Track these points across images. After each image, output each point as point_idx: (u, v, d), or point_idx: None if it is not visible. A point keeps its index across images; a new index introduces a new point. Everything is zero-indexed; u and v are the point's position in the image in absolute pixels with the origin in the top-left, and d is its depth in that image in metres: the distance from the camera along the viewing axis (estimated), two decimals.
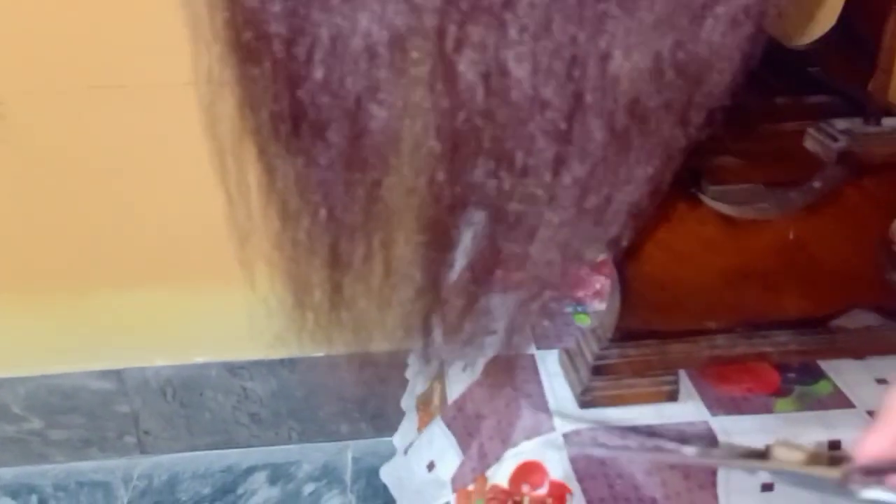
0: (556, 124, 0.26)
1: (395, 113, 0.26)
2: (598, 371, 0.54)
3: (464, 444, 0.60)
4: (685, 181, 0.50)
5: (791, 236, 0.52)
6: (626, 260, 0.52)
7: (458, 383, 0.64)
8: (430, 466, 0.61)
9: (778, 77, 0.91)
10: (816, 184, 0.52)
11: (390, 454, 1.22)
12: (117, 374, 1.19)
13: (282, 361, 1.20)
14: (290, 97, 0.27)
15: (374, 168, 0.28)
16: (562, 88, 0.25)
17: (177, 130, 1.06)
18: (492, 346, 0.35)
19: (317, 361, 1.21)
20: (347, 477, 1.20)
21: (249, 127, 0.31)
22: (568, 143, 0.27)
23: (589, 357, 0.55)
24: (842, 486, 0.31)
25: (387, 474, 0.71)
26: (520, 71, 0.25)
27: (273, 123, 0.29)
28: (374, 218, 0.30)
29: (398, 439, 0.80)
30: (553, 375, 0.58)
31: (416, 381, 0.81)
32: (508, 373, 0.59)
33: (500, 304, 0.34)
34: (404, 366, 1.23)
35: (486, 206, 0.29)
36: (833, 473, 0.31)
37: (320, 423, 1.25)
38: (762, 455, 0.34)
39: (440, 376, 0.72)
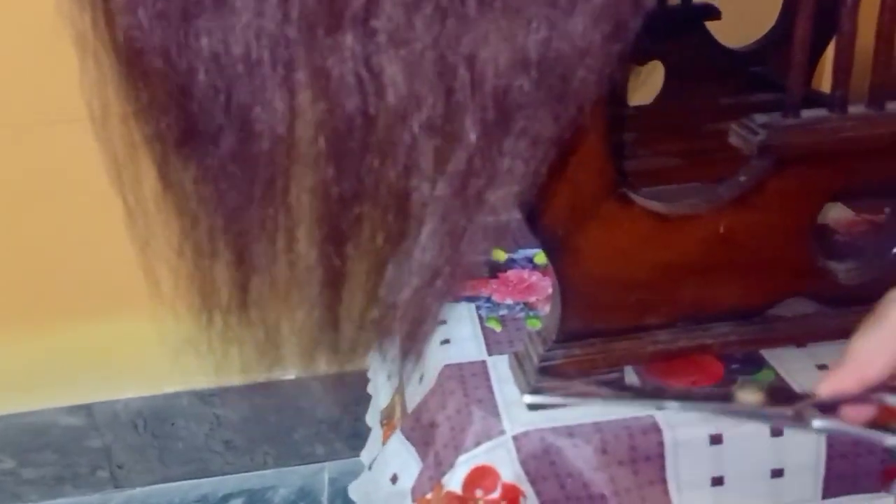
0: (431, 122, 0.27)
1: (279, 117, 0.27)
2: (544, 372, 0.55)
3: (422, 454, 0.60)
4: (611, 179, 0.51)
5: (721, 230, 0.54)
6: (563, 261, 0.54)
7: (415, 394, 0.65)
8: (394, 479, 0.62)
9: (723, 78, 0.94)
10: (742, 177, 0.53)
11: None
12: (87, 409, 1.18)
13: (253, 386, 1.20)
14: (176, 108, 0.28)
15: (265, 170, 0.29)
16: (433, 88, 0.27)
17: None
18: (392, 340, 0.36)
19: (289, 384, 1.21)
20: (324, 498, 1.20)
21: (141, 137, 0.32)
22: (444, 139, 0.28)
23: (535, 359, 0.56)
24: (796, 420, 0.36)
25: (355, 491, 0.71)
26: (391, 73, 0.26)
27: (162, 133, 0.30)
28: (272, 218, 0.31)
29: (365, 455, 0.80)
30: (503, 380, 0.59)
31: (379, 396, 0.81)
32: (460, 380, 0.60)
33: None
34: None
35: (376, 201, 0.30)
36: (788, 410, 0.36)
37: (295, 445, 1.25)
38: (726, 398, 0.38)
39: (400, 389, 0.72)
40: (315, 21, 0.26)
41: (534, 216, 0.52)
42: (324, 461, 1.26)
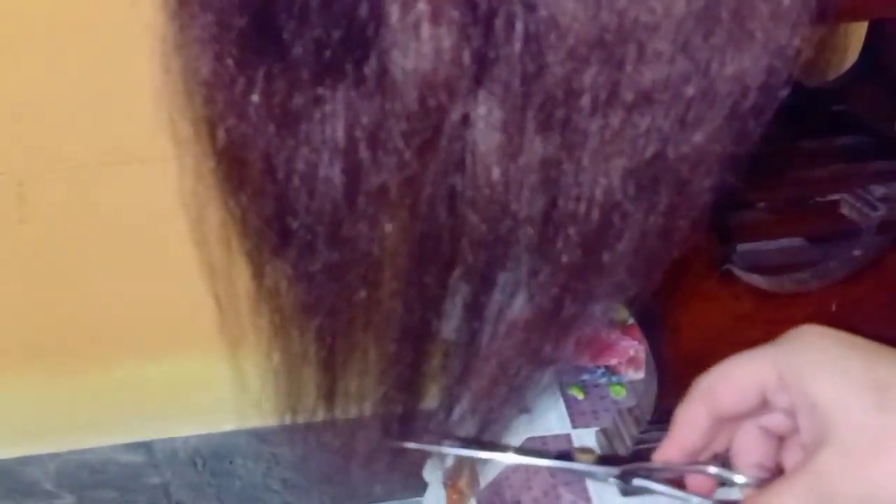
0: (530, 234, 0.26)
1: (373, 226, 0.27)
2: (639, 456, 0.52)
3: None
4: (716, 257, 0.48)
5: (833, 308, 0.50)
6: (660, 340, 0.50)
7: (491, 466, 0.62)
8: None
9: (801, 118, 0.89)
10: (857, 252, 0.50)
11: None
12: (146, 447, 1.18)
13: (311, 425, 1.18)
14: (275, 217, 0.28)
15: (358, 277, 0.29)
16: (534, 201, 0.26)
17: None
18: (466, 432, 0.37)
19: (346, 424, 1.19)
20: None
21: (236, 240, 0.31)
22: (540, 253, 0.27)
23: (628, 440, 0.53)
24: (620, 478, 0.40)
25: None
26: (491, 183, 0.25)
27: (258, 238, 0.30)
28: (361, 322, 0.31)
29: None
30: None
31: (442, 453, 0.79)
32: (543, 456, 0.57)
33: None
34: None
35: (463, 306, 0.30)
36: (615, 470, 0.41)
37: (352, 485, 1.23)
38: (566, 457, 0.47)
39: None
40: (413, 132, 0.24)
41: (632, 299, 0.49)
42: (381, 502, 1.24)
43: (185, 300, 1.09)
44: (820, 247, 0.61)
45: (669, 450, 0.38)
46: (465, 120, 0.25)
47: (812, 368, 0.32)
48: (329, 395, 0.35)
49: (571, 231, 0.27)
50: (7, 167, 1.00)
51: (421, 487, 1.25)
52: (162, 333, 1.11)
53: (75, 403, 1.14)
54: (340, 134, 0.25)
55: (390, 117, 0.24)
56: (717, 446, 0.38)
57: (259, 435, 1.18)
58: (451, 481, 0.74)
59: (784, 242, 0.75)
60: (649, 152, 0.26)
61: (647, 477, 0.39)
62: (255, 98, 0.26)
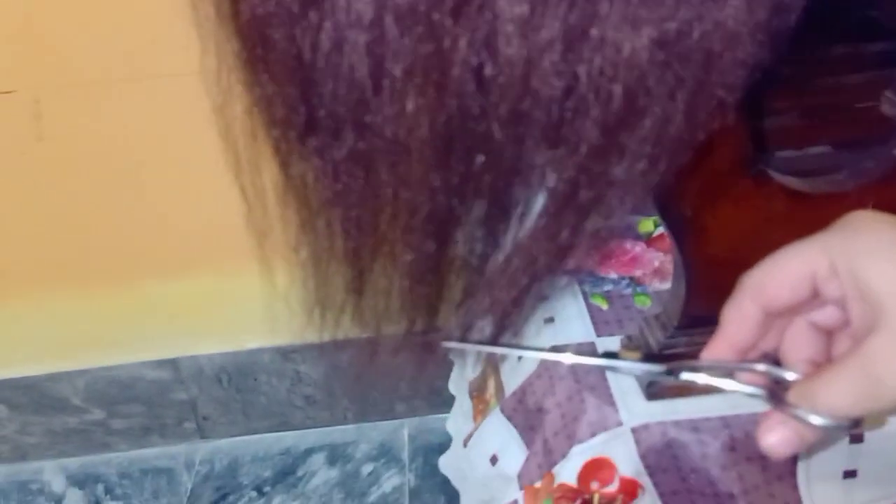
0: (551, 111, 0.25)
1: (400, 108, 0.26)
2: (665, 360, 0.51)
3: (527, 438, 0.58)
4: (748, 155, 0.46)
5: (870, 208, 0.48)
6: (689, 242, 0.49)
7: (515, 374, 0.62)
8: (493, 460, 0.60)
9: (834, 23, 0.86)
10: (895, 150, 0.48)
11: (445, 432, 1.22)
12: (172, 363, 1.20)
13: (334, 343, 1.19)
14: (301, 100, 0.27)
15: (385, 163, 0.29)
16: (557, 74, 0.24)
17: (213, 118, 1.05)
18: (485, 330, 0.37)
19: (369, 342, 1.20)
20: (405, 456, 1.20)
21: (261, 128, 0.30)
22: (564, 130, 0.26)
23: (654, 346, 0.52)
24: (668, 374, 0.39)
25: (446, 466, 0.69)
26: (513, 57, 0.24)
27: (285, 126, 0.29)
28: (387, 212, 0.31)
29: (451, 426, 0.78)
30: None
31: (465, 365, 0.79)
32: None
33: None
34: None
35: (487, 193, 0.30)
36: (661, 367, 0.39)
37: (375, 402, 1.25)
38: (613, 356, 0.45)
39: (493, 362, 0.70)
40: (436, 5, 0.24)
41: (658, 193, 0.47)
42: (403, 418, 1.26)
43: (208, 218, 1.09)
44: (855, 152, 0.59)
45: (718, 347, 0.37)
46: None
47: (865, 254, 0.31)
48: (356, 290, 0.34)
49: (593, 109, 0.26)
50: (22, 84, 0.99)
51: (441, 405, 1.27)
52: (186, 252, 1.12)
53: (102, 321, 1.16)
54: (367, 6, 0.24)
55: None
56: (767, 344, 0.37)
57: (283, 353, 1.20)
58: (477, 392, 0.74)
59: (815, 150, 0.73)
60: (678, 20, 0.24)
61: (695, 371, 0.38)
62: None
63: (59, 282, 1.14)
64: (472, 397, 0.76)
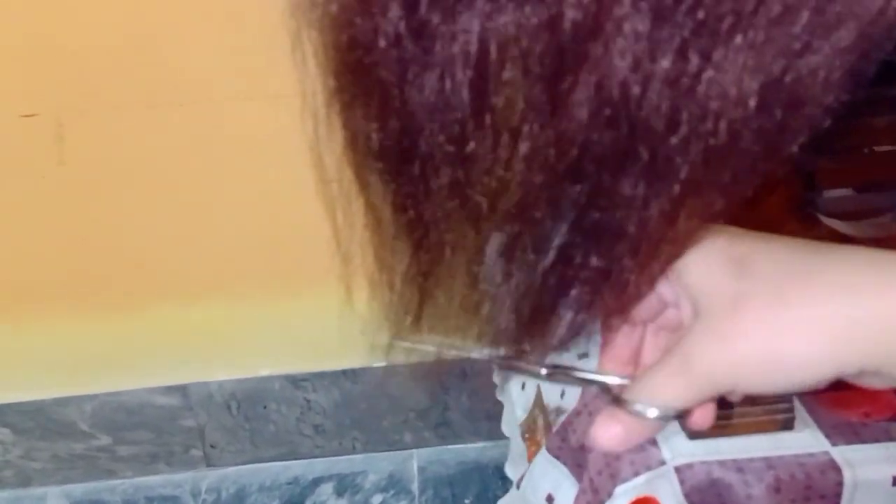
0: (653, 149, 0.26)
1: (501, 143, 0.26)
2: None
3: (575, 474, 0.58)
4: (799, 199, 0.47)
5: None
6: None
7: (560, 413, 0.62)
8: (549, 499, 0.60)
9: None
10: None
11: (456, 463, 1.21)
12: (182, 390, 1.19)
13: (344, 372, 1.19)
14: (401, 128, 0.27)
15: (476, 195, 0.29)
16: (662, 114, 0.25)
17: (232, 145, 1.06)
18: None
19: (379, 372, 1.20)
20: (415, 487, 1.19)
21: (355, 157, 0.30)
22: (659, 166, 0.26)
23: None
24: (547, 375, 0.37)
25: None
26: (627, 96, 0.24)
27: (380, 154, 0.29)
28: (469, 230, 0.31)
29: (509, 469, 0.78)
30: None
31: (515, 407, 0.79)
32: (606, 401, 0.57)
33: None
34: (464, 375, 1.23)
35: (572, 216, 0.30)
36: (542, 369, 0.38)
37: (384, 432, 1.24)
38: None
39: (539, 402, 0.70)
40: (553, 39, 0.24)
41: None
42: (412, 448, 1.25)
43: (224, 245, 1.09)
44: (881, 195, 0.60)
45: (605, 362, 0.39)
46: (607, 29, 0.24)
47: (688, 257, 0.32)
48: (422, 316, 0.34)
49: (695, 145, 0.26)
50: (45, 107, 1.00)
51: (451, 436, 1.27)
52: (200, 278, 1.11)
53: (112, 346, 1.15)
54: (474, 42, 0.24)
55: (529, 29, 0.24)
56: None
57: (293, 380, 1.19)
58: (529, 433, 0.74)
59: (836, 194, 0.74)
60: (782, 67, 0.25)
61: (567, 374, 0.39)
62: (394, 16, 0.25)
63: (69, 305, 1.13)
64: (524, 439, 0.76)
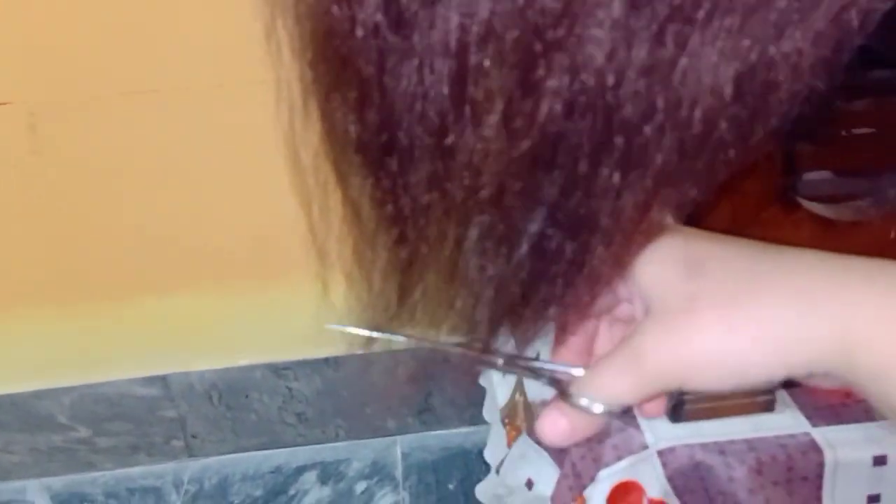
0: (628, 138, 0.26)
1: (480, 133, 0.26)
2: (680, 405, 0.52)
3: (557, 460, 0.58)
4: (779, 183, 0.47)
5: (893, 235, 0.50)
6: None
7: (539, 395, 0.62)
8: (529, 484, 0.60)
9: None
10: None
11: (439, 449, 1.21)
12: (162, 380, 1.18)
13: (326, 360, 1.18)
14: (380, 120, 0.27)
15: (454, 187, 0.28)
16: (637, 103, 0.25)
17: (209, 134, 1.04)
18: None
19: (360, 359, 1.20)
20: (398, 474, 1.20)
21: (332, 149, 0.30)
22: (634, 155, 0.26)
23: None
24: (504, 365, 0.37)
25: (483, 493, 0.69)
26: (601, 85, 0.24)
27: (358, 146, 0.28)
28: (447, 224, 0.30)
29: (489, 454, 0.78)
30: None
31: (496, 392, 0.79)
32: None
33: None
34: (446, 361, 1.22)
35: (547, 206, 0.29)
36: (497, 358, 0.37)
37: (367, 419, 1.24)
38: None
39: (520, 388, 0.70)
40: (525, 30, 0.24)
41: (691, 219, 0.48)
42: (395, 435, 1.25)
43: (202, 234, 1.08)
44: (858, 180, 0.61)
45: (561, 351, 0.39)
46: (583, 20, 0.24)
47: (641, 256, 0.33)
48: (414, 302, 0.34)
49: (670, 134, 0.26)
50: (18, 97, 0.98)
51: (434, 422, 1.27)
52: (178, 267, 1.10)
53: (91, 337, 1.14)
54: (453, 33, 0.24)
55: (504, 15, 0.23)
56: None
57: (275, 369, 1.18)
58: (509, 419, 0.74)
59: (814, 176, 0.75)
60: (757, 53, 0.25)
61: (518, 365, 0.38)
62: (371, 4, 0.25)
63: (46, 296, 1.12)
64: (504, 424, 0.76)
